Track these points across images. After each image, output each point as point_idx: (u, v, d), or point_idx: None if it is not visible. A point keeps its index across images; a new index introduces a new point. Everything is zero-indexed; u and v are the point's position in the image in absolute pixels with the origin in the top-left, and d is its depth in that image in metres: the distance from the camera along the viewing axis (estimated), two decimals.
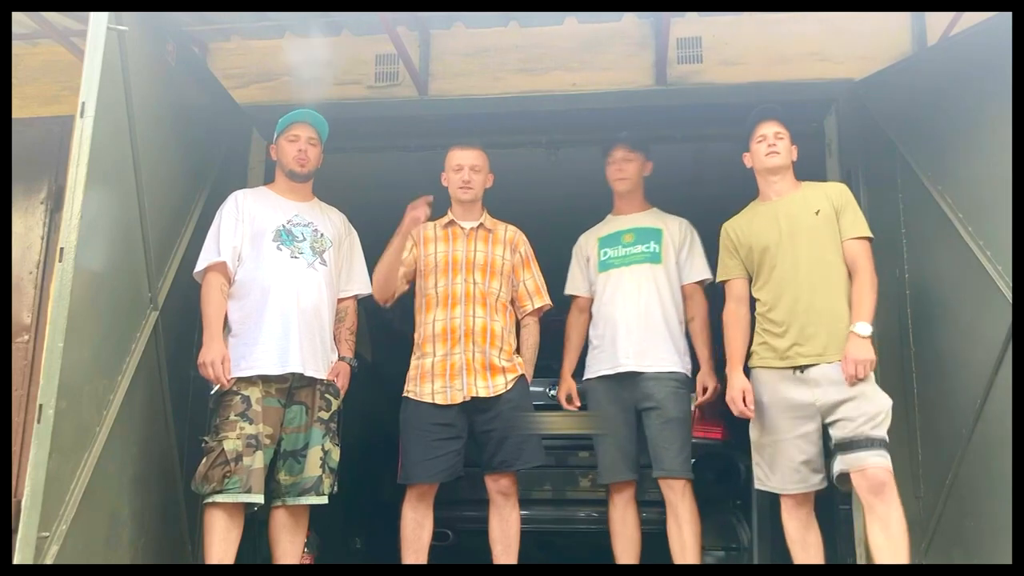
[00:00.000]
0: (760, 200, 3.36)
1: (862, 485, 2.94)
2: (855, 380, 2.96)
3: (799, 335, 3.10)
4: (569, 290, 3.83)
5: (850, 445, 2.96)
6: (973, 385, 3.17)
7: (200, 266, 3.27)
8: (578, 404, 3.68)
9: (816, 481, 3.12)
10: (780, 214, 3.25)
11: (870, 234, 3.18)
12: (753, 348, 3.26)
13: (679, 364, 3.56)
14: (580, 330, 3.78)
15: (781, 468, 3.14)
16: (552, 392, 4.49)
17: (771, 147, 3.26)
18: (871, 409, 2.96)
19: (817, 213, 3.18)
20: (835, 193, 3.25)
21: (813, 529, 3.16)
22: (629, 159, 3.74)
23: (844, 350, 3.00)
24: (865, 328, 3.00)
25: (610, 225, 3.81)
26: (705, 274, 3.69)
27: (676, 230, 3.71)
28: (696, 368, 3.63)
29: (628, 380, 3.54)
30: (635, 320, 3.56)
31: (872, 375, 3.02)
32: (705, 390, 3.58)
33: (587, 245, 3.82)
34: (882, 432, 2.95)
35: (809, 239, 3.16)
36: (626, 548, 3.49)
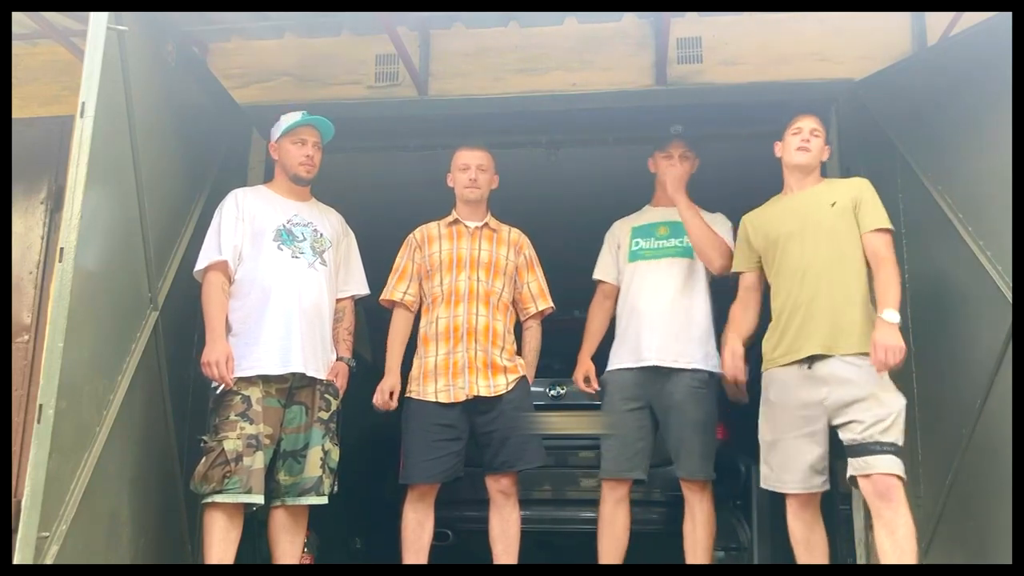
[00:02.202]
0: (782, 194, 3.35)
1: (868, 490, 2.91)
2: (884, 367, 2.89)
3: (805, 326, 3.06)
4: (597, 275, 3.77)
5: (859, 449, 2.91)
6: (973, 385, 3.17)
7: (201, 265, 3.27)
8: (596, 386, 3.64)
9: (818, 483, 3.08)
10: (797, 206, 3.23)
11: (890, 226, 3.13)
12: (764, 351, 3.23)
13: (703, 362, 3.49)
14: (603, 316, 3.73)
15: (786, 467, 3.11)
16: (553, 392, 4.51)
17: (804, 142, 3.24)
18: (881, 412, 2.91)
19: (833, 205, 3.15)
20: (854, 186, 3.21)
21: (818, 530, 3.13)
22: (687, 157, 3.68)
23: (871, 338, 2.92)
24: (893, 315, 2.91)
25: (647, 215, 3.76)
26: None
27: (728, 233, 3.62)
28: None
29: (650, 375, 3.49)
30: (660, 314, 3.51)
31: (885, 375, 2.95)
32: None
33: (620, 232, 3.77)
34: (892, 436, 2.89)
35: (823, 231, 3.13)
36: (611, 548, 3.45)
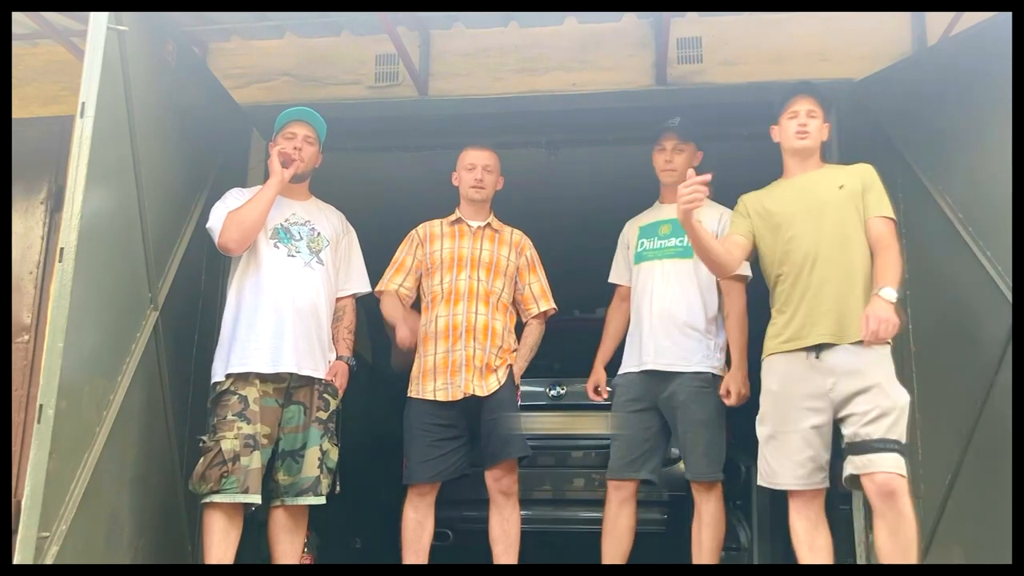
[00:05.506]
0: (784, 177, 3.24)
1: (871, 489, 2.80)
2: (874, 339, 2.78)
3: (813, 312, 2.96)
4: (612, 278, 3.74)
5: (861, 447, 2.81)
6: (973, 385, 3.17)
7: (214, 225, 3.27)
8: (605, 395, 3.61)
9: (819, 480, 2.96)
10: (804, 187, 3.13)
11: (894, 216, 3.05)
12: (767, 336, 3.13)
13: (704, 363, 3.43)
14: (619, 320, 3.70)
15: (785, 462, 2.99)
16: (552, 392, 4.51)
17: (801, 126, 3.11)
18: (885, 404, 2.79)
19: (841, 188, 3.06)
20: (862, 171, 3.10)
21: (822, 531, 2.97)
22: (680, 149, 3.61)
23: (864, 310, 2.80)
24: (890, 293, 2.80)
25: (652, 213, 3.71)
26: (744, 270, 3.45)
27: (715, 222, 3.48)
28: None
29: (652, 378, 3.46)
30: (658, 318, 3.47)
31: (891, 367, 2.87)
32: (728, 393, 3.39)
33: (629, 232, 3.74)
34: (896, 433, 2.77)
35: (832, 214, 3.03)
36: (615, 548, 3.43)
